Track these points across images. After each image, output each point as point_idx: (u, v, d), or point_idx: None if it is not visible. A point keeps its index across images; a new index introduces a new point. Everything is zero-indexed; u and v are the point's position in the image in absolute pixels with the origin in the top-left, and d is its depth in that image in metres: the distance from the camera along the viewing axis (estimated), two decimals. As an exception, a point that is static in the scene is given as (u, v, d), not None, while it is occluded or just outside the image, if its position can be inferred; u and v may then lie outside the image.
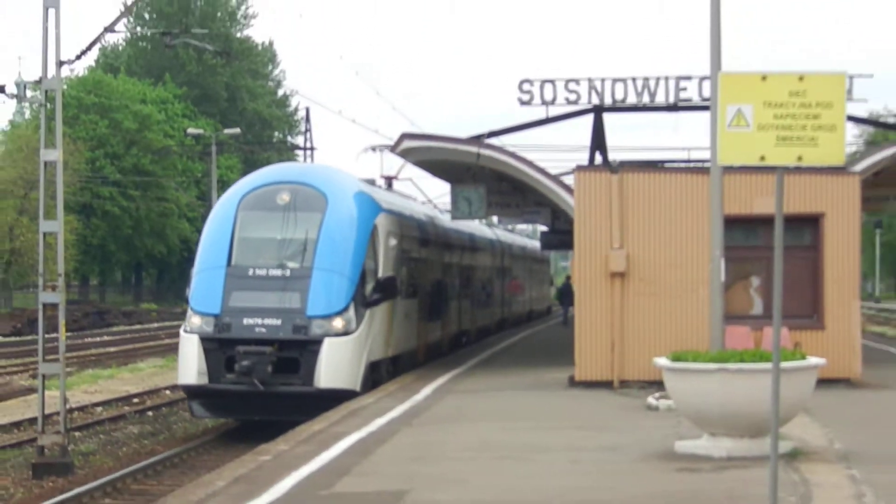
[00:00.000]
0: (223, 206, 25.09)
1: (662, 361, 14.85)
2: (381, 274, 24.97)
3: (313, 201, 23.96)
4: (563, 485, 12.98)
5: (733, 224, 20.91)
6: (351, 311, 22.87)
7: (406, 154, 27.65)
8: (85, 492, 18.83)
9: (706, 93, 24.68)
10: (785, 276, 11.50)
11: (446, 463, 14.60)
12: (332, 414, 20.12)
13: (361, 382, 22.91)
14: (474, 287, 41.57)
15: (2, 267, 79.25)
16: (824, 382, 16.07)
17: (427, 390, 23.28)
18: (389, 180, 35.65)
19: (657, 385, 17.69)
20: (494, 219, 47.52)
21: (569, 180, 25.32)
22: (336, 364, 22.37)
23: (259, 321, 22.47)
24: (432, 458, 14.93)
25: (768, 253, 13.04)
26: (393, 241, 26.47)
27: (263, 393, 21.95)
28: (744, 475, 12.89)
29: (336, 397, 21.50)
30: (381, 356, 24.88)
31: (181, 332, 24.01)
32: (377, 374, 24.49)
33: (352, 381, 22.61)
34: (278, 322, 22.52)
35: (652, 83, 27.69)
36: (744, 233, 22.92)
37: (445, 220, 37.84)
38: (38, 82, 23.18)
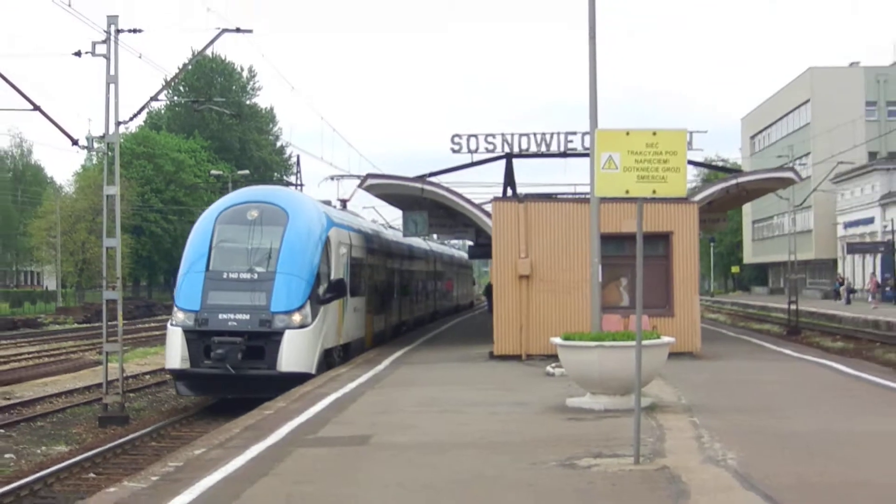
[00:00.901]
0: (204, 221, 22.97)
1: (557, 340, 14.89)
2: (332, 277, 23.14)
3: (277, 217, 22.15)
4: (485, 429, 13.01)
5: (607, 239, 20.96)
6: (307, 308, 21.13)
7: (370, 189, 27.54)
8: (137, 437, 18.73)
9: (587, 144, 24.63)
10: (644, 278, 11.57)
11: (400, 415, 14.58)
12: (318, 380, 19.99)
13: (317, 366, 21.34)
14: (412, 287, 39.54)
15: (76, 272, 79.22)
16: (674, 355, 16.16)
17: (386, 362, 23.14)
18: (344, 202, 34.21)
19: (553, 357, 17.66)
20: (434, 235, 47.08)
21: (488, 207, 25.34)
22: (295, 352, 20.64)
23: (231, 316, 20.61)
24: (390, 412, 14.90)
25: (632, 261, 13.17)
26: (343, 250, 24.63)
27: (235, 376, 20.25)
28: (616, 422, 12.96)
29: (295, 379, 19.78)
30: (333, 344, 23.18)
31: (168, 325, 21.89)
32: (330, 359, 22.88)
33: (308, 366, 20.98)
34: (247, 317, 20.64)
35: (548, 137, 27.76)
36: (615, 246, 22.94)
37: (389, 234, 36.21)
38: (102, 137, 22.93)
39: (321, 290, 22.01)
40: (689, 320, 23.72)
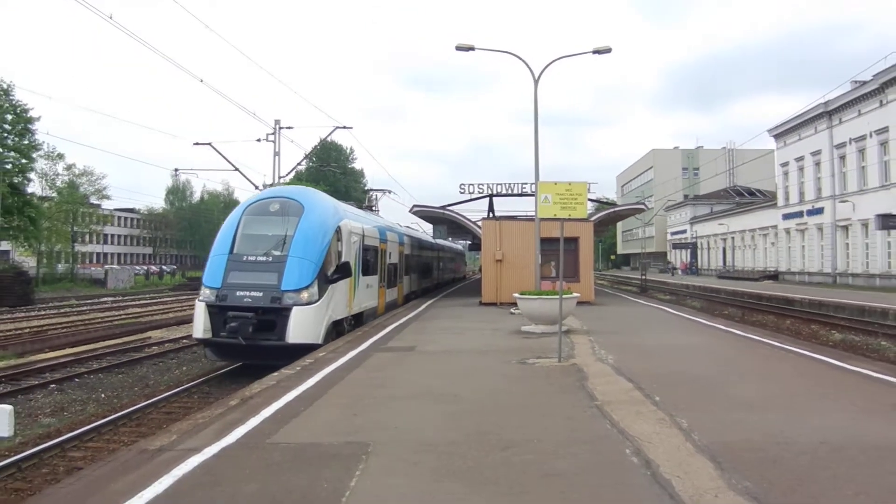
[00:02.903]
0: (234, 213, 15.41)
1: (516, 294, 14.80)
2: (342, 260, 15.38)
3: (294, 209, 14.72)
4: (478, 342, 12.87)
5: (544, 241, 20.75)
6: (314, 287, 13.83)
7: (415, 213, 27.57)
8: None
9: (533, 189, 24.59)
10: (564, 261, 11.49)
11: (430, 335, 14.41)
12: (385, 314, 19.46)
13: (323, 337, 13.92)
14: (420, 267, 30.03)
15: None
16: (580, 304, 16.07)
17: (422, 307, 22.83)
18: (369, 207, 27.85)
19: (514, 304, 17.56)
20: (449, 237, 45.93)
21: (480, 224, 25.23)
22: (302, 325, 13.46)
23: (247, 293, 13.47)
24: (425, 333, 14.73)
25: (558, 252, 12.96)
26: (354, 239, 16.47)
27: (248, 345, 13.24)
28: (549, 339, 12.79)
29: (302, 349, 12.94)
30: (342, 316, 15.40)
31: (196, 301, 14.13)
32: (340, 327, 15.63)
33: (314, 337, 13.62)
34: (260, 294, 13.47)
35: (513, 185, 27.95)
36: (549, 244, 22.63)
37: (403, 229, 27.36)
38: (272, 184, 22.98)
39: (329, 271, 15.11)
40: (588, 284, 23.52)
